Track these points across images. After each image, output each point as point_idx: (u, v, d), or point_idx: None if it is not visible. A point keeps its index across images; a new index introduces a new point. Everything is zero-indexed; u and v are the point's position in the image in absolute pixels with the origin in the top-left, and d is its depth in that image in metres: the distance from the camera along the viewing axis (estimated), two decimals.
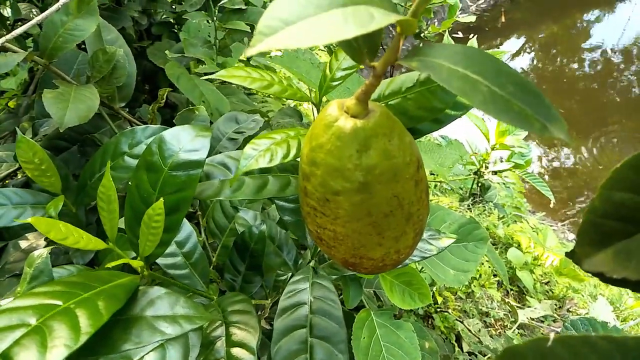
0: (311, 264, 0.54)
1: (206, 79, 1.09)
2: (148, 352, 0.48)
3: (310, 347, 0.45)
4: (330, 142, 0.32)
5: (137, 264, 0.37)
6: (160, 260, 0.51)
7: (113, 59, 0.67)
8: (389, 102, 0.39)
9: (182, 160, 0.38)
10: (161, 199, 0.35)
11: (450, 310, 1.53)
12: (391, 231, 0.34)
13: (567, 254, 0.28)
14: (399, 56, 0.29)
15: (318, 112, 0.45)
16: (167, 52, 0.93)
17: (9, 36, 0.52)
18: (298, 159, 0.44)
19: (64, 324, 0.31)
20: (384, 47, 0.96)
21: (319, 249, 0.57)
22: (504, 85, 0.26)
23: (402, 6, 1.33)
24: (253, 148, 0.36)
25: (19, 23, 1.18)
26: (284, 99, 2.51)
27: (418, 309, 1.49)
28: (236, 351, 0.43)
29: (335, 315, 0.47)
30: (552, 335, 0.21)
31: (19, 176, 0.91)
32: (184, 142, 0.39)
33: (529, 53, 5.56)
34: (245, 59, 1.41)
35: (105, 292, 0.35)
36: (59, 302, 0.33)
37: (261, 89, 0.41)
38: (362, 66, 0.36)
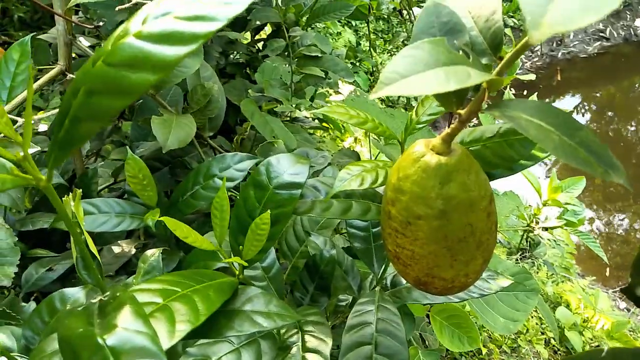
0: (377, 289, 0.59)
1: (272, 116, 1.19)
2: (225, 354, 0.54)
3: None
4: (416, 173, 0.38)
5: (243, 263, 0.43)
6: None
7: (209, 93, 0.76)
8: (470, 148, 0.44)
9: (286, 181, 0.45)
10: (268, 210, 0.42)
11: None
12: (463, 255, 0.39)
13: (623, 290, 0.32)
14: (482, 107, 0.35)
15: (402, 149, 0.51)
16: (250, 91, 1.03)
17: None
18: (380, 188, 0.50)
19: (185, 305, 0.38)
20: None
21: (382, 277, 0.61)
22: (572, 135, 0.31)
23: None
24: (347, 172, 0.42)
25: None
26: (338, 141, 2.61)
27: (462, 357, 1.48)
28: (310, 356, 0.48)
29: (399, 336, 0.52)
30: (606, 347, 0.25)
31: (105, 190, 1.01)
32: (287, 166, 0.46)
33: (584, 113, 5.49)
34: (309, 99, 1.52)
35: (213, 286, 0.41)
36: (178, 289, 0.40)
37: (357, 124, 0.48)
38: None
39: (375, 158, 1.32)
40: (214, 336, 0.39)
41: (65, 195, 0.39)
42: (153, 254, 0.49)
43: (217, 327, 0.40)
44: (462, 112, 0.36)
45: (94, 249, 0.38)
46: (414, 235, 0.39)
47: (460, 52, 0.34)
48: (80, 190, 0.39)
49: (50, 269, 0.67)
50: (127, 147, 0.75)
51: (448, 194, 0.37)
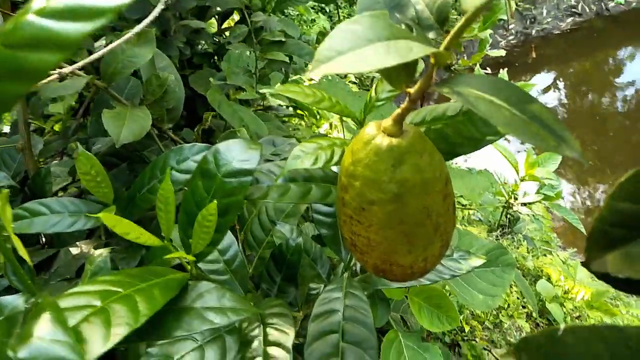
0: (345, 275, 0.57)
1: (244, 105, 1.16)
2: (188, 352, 0.52)
3: (341, 352, 0.48)
4: (368, 157, 0.36)
5: (190, 258, 0.41)
6: (203, 266, 0.55)
7: (165, 84, 0.73)
8: (432, 127, 0.42)
9: (235, 168, 0.43)
10: (214, 201, 0.40)
11: (477, 339, 1.52)
12: (420, 239, 0.37)
13: (582, 263, 0.31)
14: (432, 84, 0.33)
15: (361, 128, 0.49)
16: (211, 79, 1.00)
17: (84, 61, 0.58)
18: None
19: (125, 306, 0.35)
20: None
21: (351, 263, 0.60)
22: (524, 110, 0.29)
23: (435, 40, 1.38)
24: (301, 149, 0.40)
25: None
26: (314, 128, 2.58)
27: (444, 336, 1.48)
28: (272, 350, 0.46)
29: (367, 323, 0.50)
30: (562, 326, 0.24)
31: (67, 190, 0.98)
32: (237, 153, 0.44)
33: (559, 89, 5.54)
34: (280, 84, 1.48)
35: (160, 283, 0.39)
36: (120, 289, 0.37)
37: (313, 103, 0.46)
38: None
39: None
40: (162, 337, 0.37)
41: None
42: (100, 254, 0.46)
43: (165, 327, 0.37)
44: (411, 90, 0.34)
45: (23, 252, 0.35)
46: (369, 222, 0.37)
47: (404, 26, 0.31)
48: (8, 190, 0.36)
49: (1, 276, 0.64)
50: (79, 143, 0.72)
51: (401, 177, 0.35)
